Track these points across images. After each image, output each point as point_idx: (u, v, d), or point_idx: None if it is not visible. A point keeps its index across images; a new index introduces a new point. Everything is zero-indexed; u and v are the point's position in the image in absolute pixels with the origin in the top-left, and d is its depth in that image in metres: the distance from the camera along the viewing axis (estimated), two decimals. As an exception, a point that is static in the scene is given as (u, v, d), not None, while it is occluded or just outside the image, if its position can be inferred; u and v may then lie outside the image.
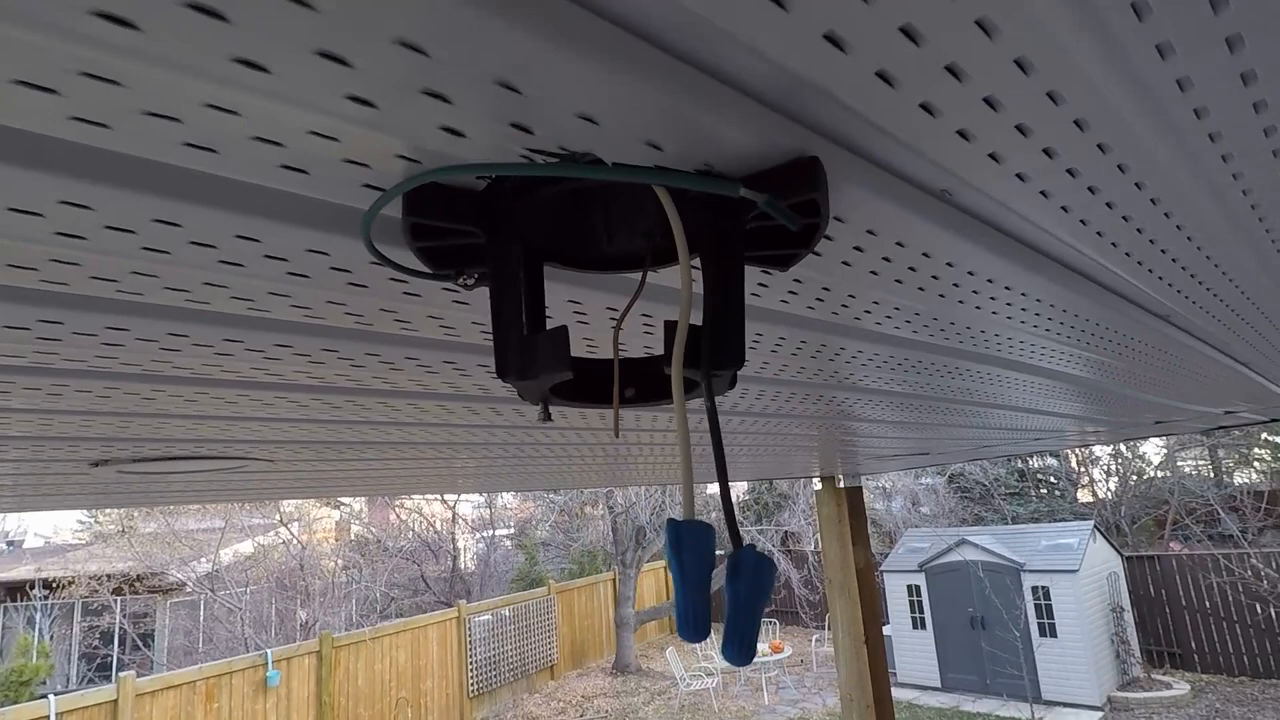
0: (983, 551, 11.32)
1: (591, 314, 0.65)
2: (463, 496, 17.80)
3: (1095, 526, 11.43)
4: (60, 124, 0.32)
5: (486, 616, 12.62)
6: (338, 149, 0.36)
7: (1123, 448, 16.69)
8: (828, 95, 0.35)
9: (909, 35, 0.31)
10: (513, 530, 19.53)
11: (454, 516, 17.78)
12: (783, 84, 0.35)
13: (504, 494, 18.59)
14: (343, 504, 17.15)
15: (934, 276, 0.65)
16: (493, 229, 0.42)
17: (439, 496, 16.90)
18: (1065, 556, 10.74)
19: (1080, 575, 10.42)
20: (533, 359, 0.41)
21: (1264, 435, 15.39)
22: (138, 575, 13.54)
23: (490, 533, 18.31)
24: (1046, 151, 0.44)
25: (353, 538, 17.62)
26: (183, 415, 0.96)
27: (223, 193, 0.40)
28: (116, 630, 13.68)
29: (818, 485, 4.18)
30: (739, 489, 17.73)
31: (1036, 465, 17.68)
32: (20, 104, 0.30)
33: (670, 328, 0.42)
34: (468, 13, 0.27)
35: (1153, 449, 16.90)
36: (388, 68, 0.29)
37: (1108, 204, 0.54)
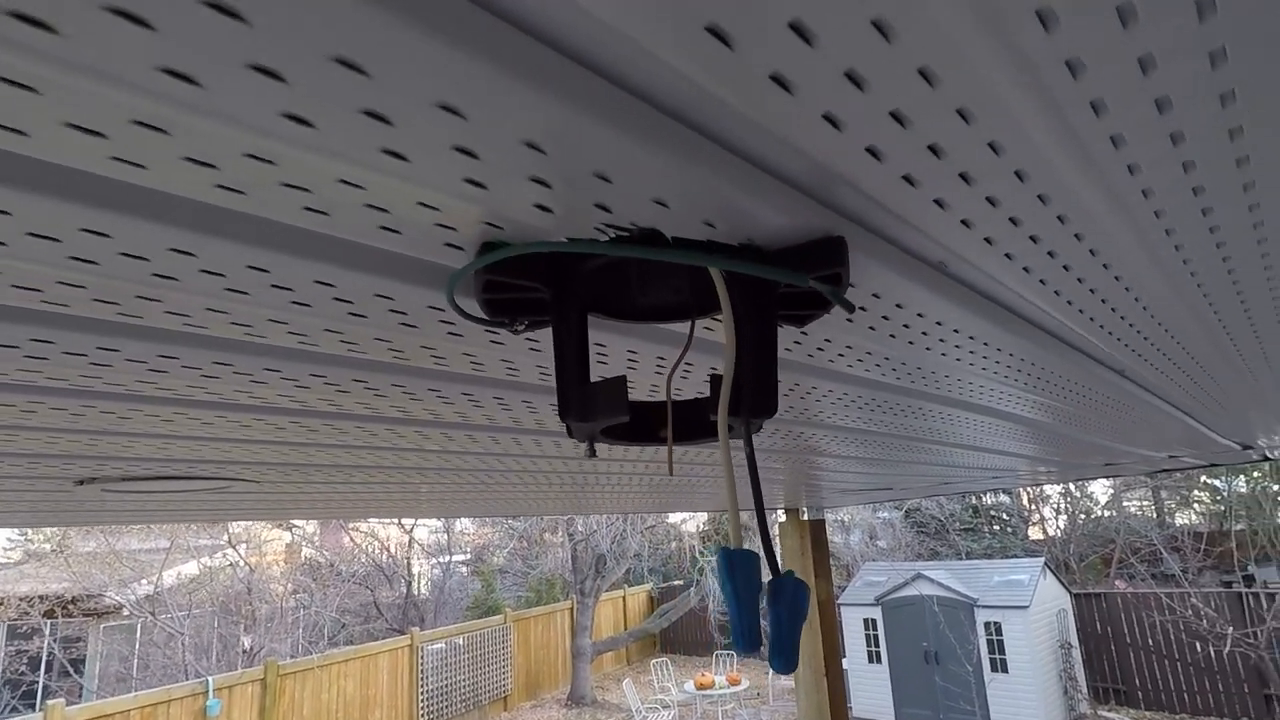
0: (938, 586, 11.50)
1: (612, 355, 0.71)
2: (420, 521, 17.48)
3: (1046, 564, 11.72)
4: (104, 163, 0.35)
5: (440, 645, 12.36)
6: (436, 216, 0.41)
7: (1072, 487, 17.18)
8: (859, 190, 0.42)
9: (934, 151, 0.38)
10: (469, 556, 19.21)
11: (410, 541, 17.43)
12: (822, 180, 0.41)
13: (462, 519, 18.31)
14: (295, 526, 16.69)
15: (924, 332, 0.72)
16: (558, 286, 0.47)
17: (396, 520, 16.58)
18: (1017, 593, 10.98)
19: (1031, 612, 10.64)
20: (594, 404, 0.46)
21: (1203, 478, 16.01)
22: (72, 597, 12.93)
23: (447, 558, 17.96)
24: (1012, 220, 0.51)
25: (304, 561, 17.13)
26: (172, 436, 0.98)
27: (309, 244, 0.45)
28: (45, 655, 13.01)
29: (782, 517, 4.25)
30: (699, 519, 17.74)
31: (990, 502, 18.09)
32: (69, 144, 0.32)
33: (717, 381, 0.48)
34: (587, 120, 0.33)
35: (1100, 489, 17.43)
36: (509, 160, 0.35)
37: (1064, 266, 0.62)
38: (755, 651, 0.41)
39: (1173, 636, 11.46)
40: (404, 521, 16.83)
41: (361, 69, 0.28)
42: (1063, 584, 12.29)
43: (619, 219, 0.42)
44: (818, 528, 4.11)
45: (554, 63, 0.31)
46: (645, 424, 0.51)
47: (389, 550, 17.32)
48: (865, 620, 12.09)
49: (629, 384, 0.51)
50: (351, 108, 0.30)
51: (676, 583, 17.61)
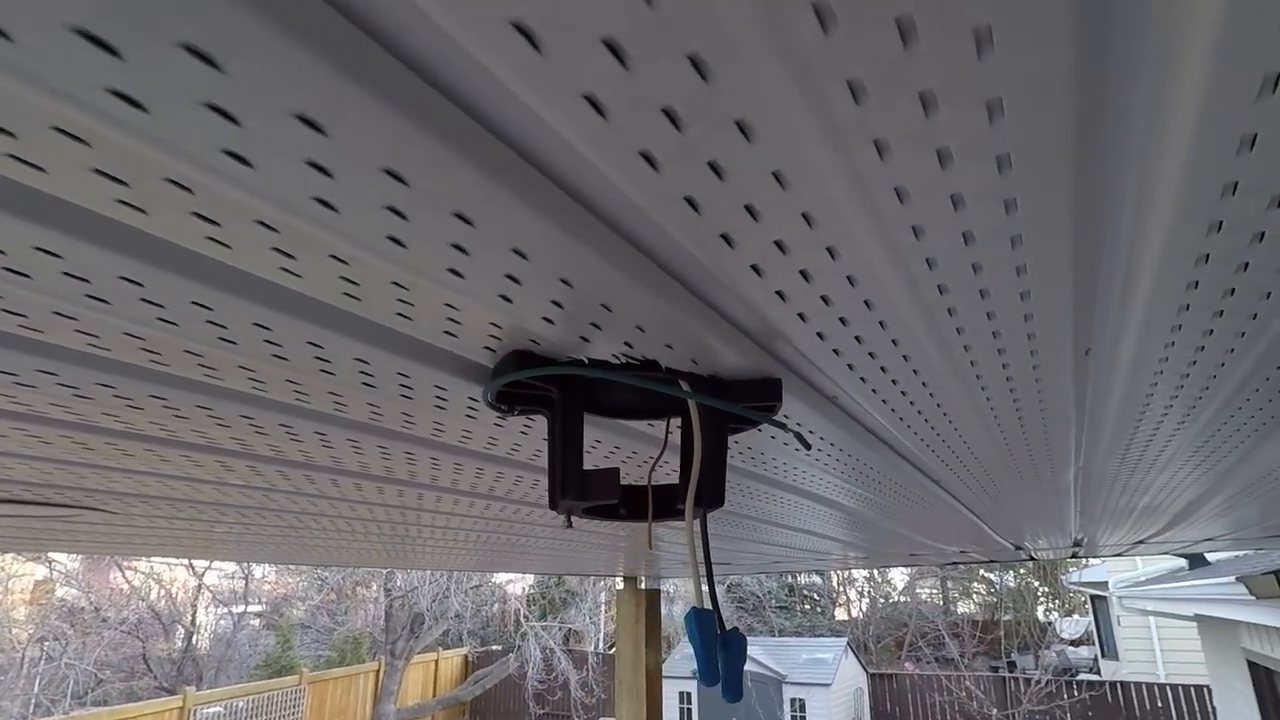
0: (752, 662, 11.94)
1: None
2: (214, 564, 15.72)
3: (848, 644, 12.54)
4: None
5: (217, 708, 11.02)
6: (453, 314, 0.49)
7: (876, 573, 18.64)
8: (791, 344, 0.55)
9: (842, 321, 0.51)
10: (265, 607, 17.43)
11: (199, 586, 15.59)
12: (764, 332, 0.54)
13: (264, 565, 16.68)
14: (53, 559, 14.42)
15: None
16: (564, 388, 0.57)
17: (186, 562, 14.80)
18: (821, 671, 11.64)
19: (833, 689, 11.30)
20: (589, 488, 0.56)
21: (981, 572, 17.98)
22: None
23: (242, 608, 16.19)
24: (857, 338, 0.67)
25: (60, 602, 14.76)
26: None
27: (377, 335, 0.52)
28: None
29: (619, 585, 4.33)
30: (527, 580, 17.33)
31: (804, 581, 19.20)
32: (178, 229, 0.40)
33: (684, 480, 0.59)
34: (606, 266, 0.43)
35: (899, 575, 19.04)
36: (542, 288, 0.44)
37: (882, 368, 0.77)
38: (715, 685, 0.52)
39: (949, 716, 12.58)
40: (195, 564, 15.07)
41: (469, 221, 0.37)
42: (861, 664, 13.19)
43: (606, 336, 0.52)
44: (653, 597, 4.23)
45: (587, 221, 0.41)
46: (623, 504, 0.61)
47: (170, 595, 15.38)
48: (681, 693, 12.27)
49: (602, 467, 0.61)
50: (446, 242, 0.39)
51: (495, 648, 16.95)
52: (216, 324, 0.51)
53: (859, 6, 0.25)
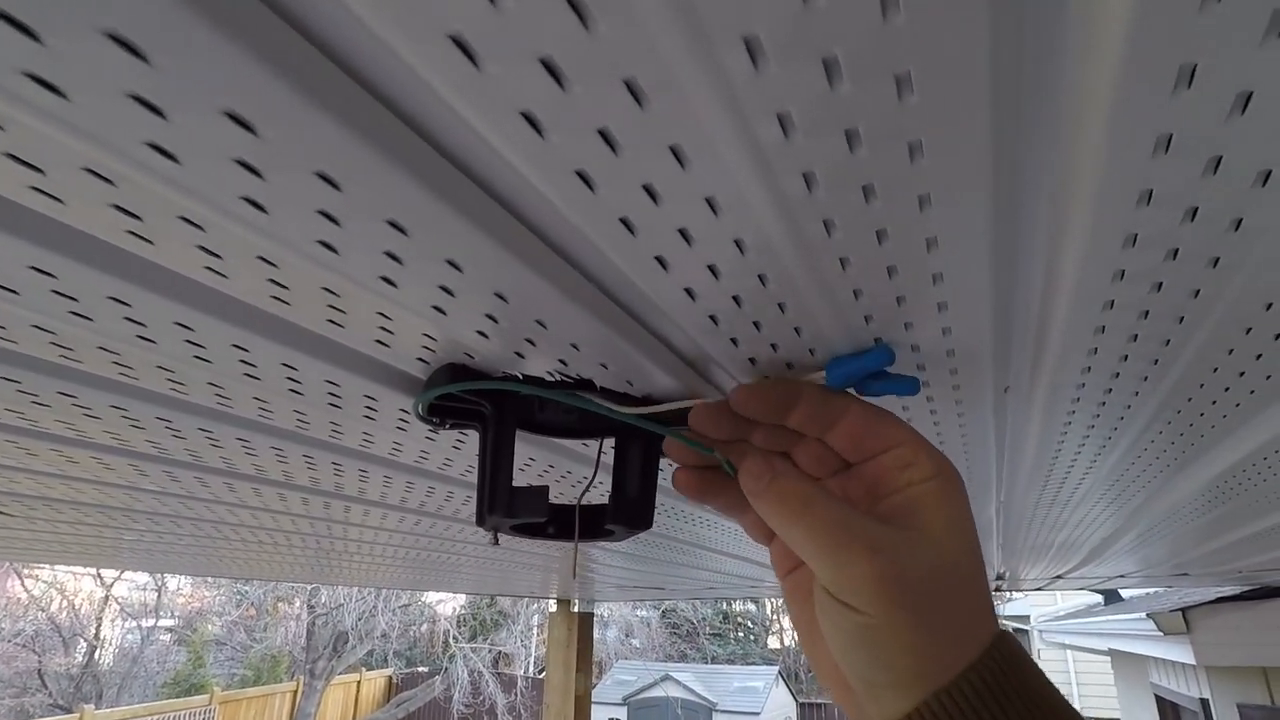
0: (683, 689, 11.90)
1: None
2: (124, 574, 14.85)
3: (779, 672, 12.62)
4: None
5: (120, 728, 10.39)
6: (386, 323, 0.48)
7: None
8: (723, 368, 0.56)
9: (773, 347, 0.52)
10: (178, 622, 16.53)
11: (107, 598, 14.72)
12: (697, 355, 0.55)
13: (180, 577, 15.84)
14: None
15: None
16: (497, 403, 0.56)
17: (94, 571, 13.97)
18: (751, 699, 11.66)
19: (762, 718, 11.32)
20: (517, 505, 0.55)
21: (911, 602, 18.33)
22: None
23: (152, 622, 15.33)
24: (789, 364, 0.69)
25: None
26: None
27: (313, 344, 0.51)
28: None
29: (552, 607, 4.27)
30: (458, 600, 16.91)
31: (739, 609, 19.26)
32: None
33: (616, 499, 0.59)
34: (541, 281, 0.43)
35: (830, 604, 19.26)
36: (476, 301, 0.44)
37: None
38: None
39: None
40: (103, 573, 14.21)
41: (403, 230, 0.37)
42: (791, 692, 13.27)
43: (540, 352, 0.52)
44: (586, 621, 4.18)
45: (524, 236, 0.41)
46: (550, 523, 0.60)
47: (73, 606, 14.47)
48: (610, 720, 12.12)
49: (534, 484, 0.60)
50: (378, 250, 0.38)
51: (422, 669, 16.45)
52: (134, 321, 0.49)
53: (788, 45, 0.26)
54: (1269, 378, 0.66)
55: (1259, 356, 0.60)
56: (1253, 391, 0.69)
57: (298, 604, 14.82)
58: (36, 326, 0.51)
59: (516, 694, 15.11)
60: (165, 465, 0.91)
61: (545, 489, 0.56)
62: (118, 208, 0.36)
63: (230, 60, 0.26)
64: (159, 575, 14.77)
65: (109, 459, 0.87)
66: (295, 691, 13.40)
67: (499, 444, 0.58)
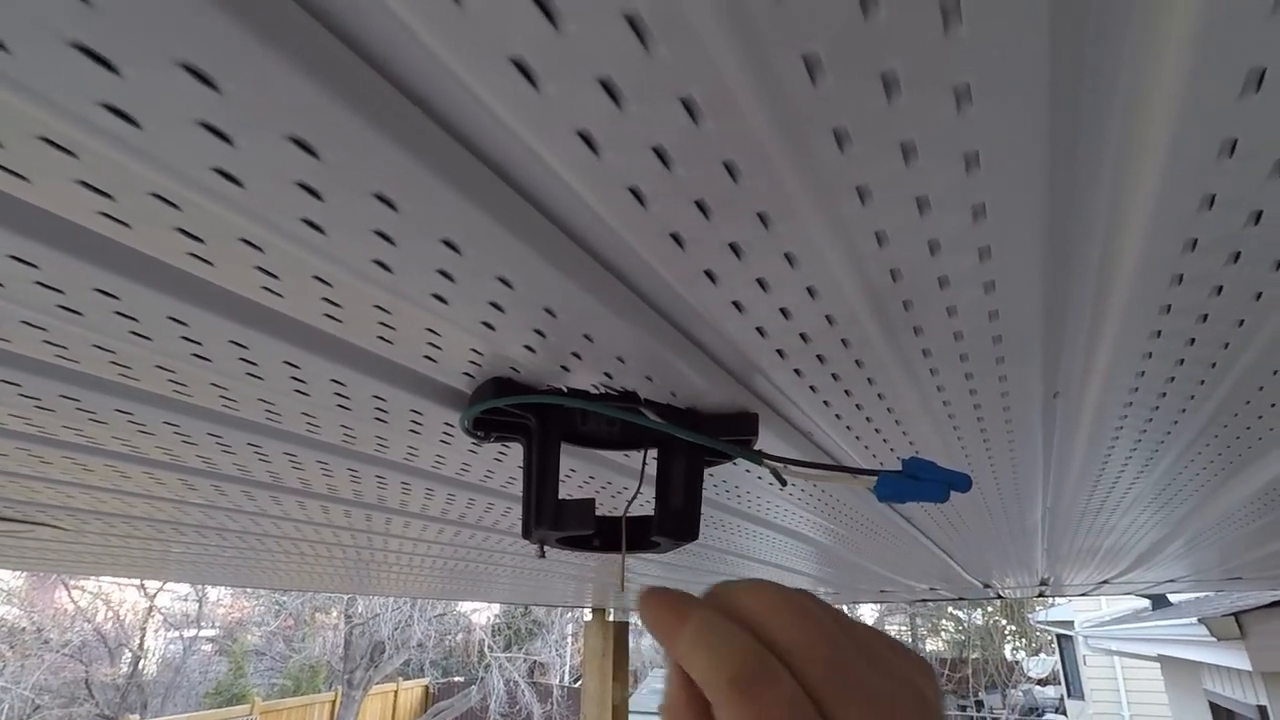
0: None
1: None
2: (167, 585, 15.19)
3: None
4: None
5: (165, 737, 10.59)
6: (434, 339, 0.49)
7: (846, 608, 18.58)
8: (768, 379, 0.56)
9: (820, 359, 0.52)
10: (219, 632, 16.83)
11: (150, 608, 15.05)
12: (743, 366, 0.55)
13: (220, 588, 16.15)
14: (-3, 578, 13.83)
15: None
16: (542, 416, 0.56)
17: (138, 582, 14.31)
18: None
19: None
20: (564, 518, 0.55)
21: (950, 609, 18.04)
22: None
23: (194, 632, 15.63)
24: (834, 375, 0.69)
25: None
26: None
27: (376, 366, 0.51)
28: None
29: (588, 616, 4.27)
30: (492, 610, 17.00)
31: (772, 617, 19.04)
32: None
33: (661, 510, 0.59)
34: (591, 298, 0.43)
35: (868, 611, 19.00)
36: (525, 316, 0.44)
37: (857, 405, 0.79)
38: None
39: (914, 757, 12.49)
40: (147, 584, 14.55)
41: (456, 248, 0.37)
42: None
43: (587, 365, 0.52)
44: (621, 630, 4.17)
45: (574, 253, 0.41)
46: (596, 535, 0.60)
47: (119, 617, 14.81)
48: (646, 729, 12.06)
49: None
50: (431, 268, 0.39)
51: (458, 679, 16.55)
52: (191, 340, 0.51)
53: (848, 59, 0.26)
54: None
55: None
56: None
57: (335, 614, 15.00)
58: (98, 346, 0.52)
59: (552, 703, 15.12)
60: (214, 479, 0.93)
61: (592, 501, 0.57)
62: (182, 231, 0.37)
63: (298, 86, 0.27)
64: (200, 586, 15.07)
65: (160, 474, 0.89)
66: (334, 701, 13.56)
67: (544, 456, 0.58)
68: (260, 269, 0.40)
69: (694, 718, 0.35)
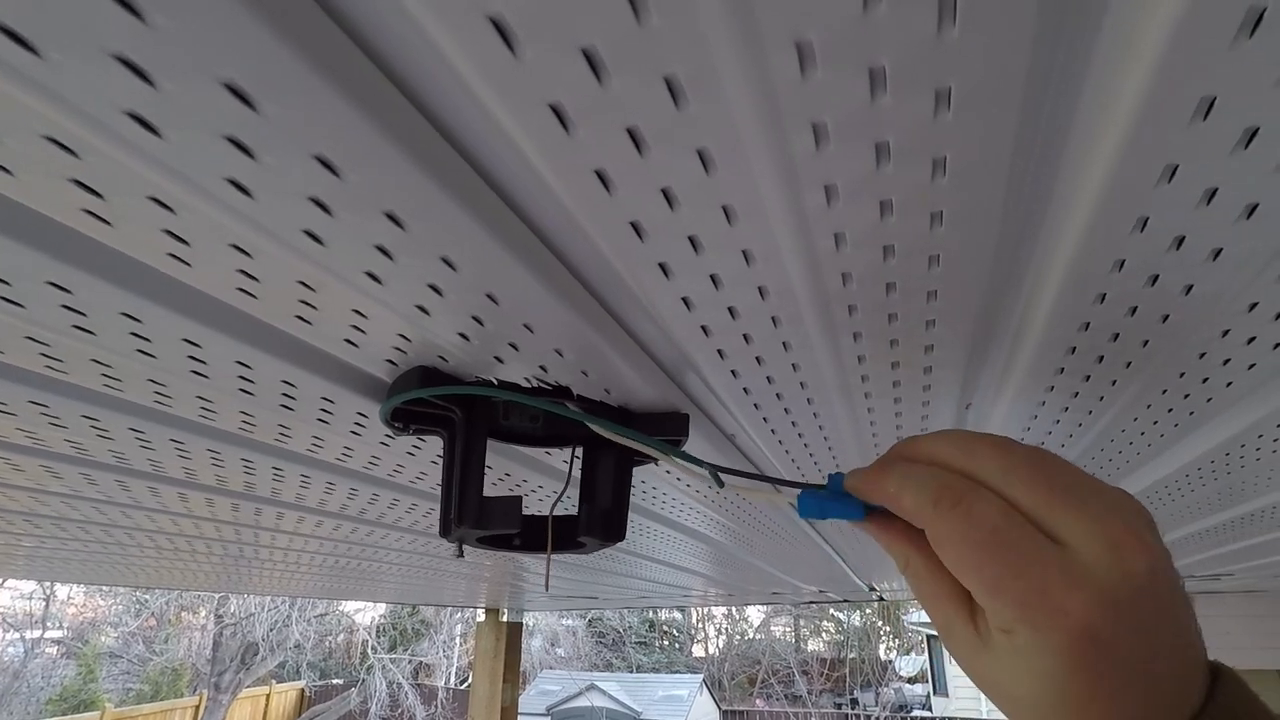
0: (608, 698, 11.83)
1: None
2: (7, 582, 13.72)
3: (704, 680, 12.70)
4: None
5: (-2, 749, 9.58)
6: (360, 321, 0.45)
7: (734, 610, 19.08)
8: (703, 379, 0.55)
9: (758, 360, 0.52)
10: (67, 633, 15.36)
11: (-12, 608, 13.57)
12: (679, 365, 0.54)
13: (70, 585, 14.74)
14: None
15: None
16: (468, 409, 0.53)
17: (-27, 579, 12.85)
18: (675, 708, 11.69)
19: (685, 726, 11.37)
20: (488, 516, 0.52)
21: (831, 610, 18.84)
22: None
23: (38, 633, 14.22)
24: (768, 379, 0.69)
25: None
26: None
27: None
28: None
29: (481, 617, 4.18)
30: (378, 610, 16.37)
31: (665, 617, 19.32)
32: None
33: (586, 508, 0.57)
34: (541, 289, 0.41)
35: (755, 612, 19.58)
36: (467, 300, 0.42)
37: (785, 409, 0.80)
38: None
39: (793, 752, 12.98)
40: (-15, 582, 13.09)
41: (400, 223, 0.34)
42: (715, 700, 13.38)
43: (523, 357, 0.50)
44: (514, 630, 4.10)
45: (527, 238, 0.39)
46: (518, 534, 0.58)
47: (-51, 618, 13.27)
48: (534, 730, 11.93)
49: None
50: (367, 241, 0.36)
51: (336, 681, 15.81)
52: (73, 309, 0.45)
53: (838, 52, 0.26)
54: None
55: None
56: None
57: (203, 614, 14.01)
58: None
59: (437, 705, 14.68)
60: (84, 468, 0.84)
61: (519, 499, 0.54)
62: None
63: (336, 110, 0.27)
64: (48, 584, 13.69)
65: (19, 459, 0.79)
66: (198, 706, 12.65)
67: (469, 451, 0.55)
68: (169, 233, 0.36)
69: (916, 553, 0.39)
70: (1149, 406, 0.70)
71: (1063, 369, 0.58)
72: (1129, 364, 0.57)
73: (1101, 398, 0.66)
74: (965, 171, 0.32)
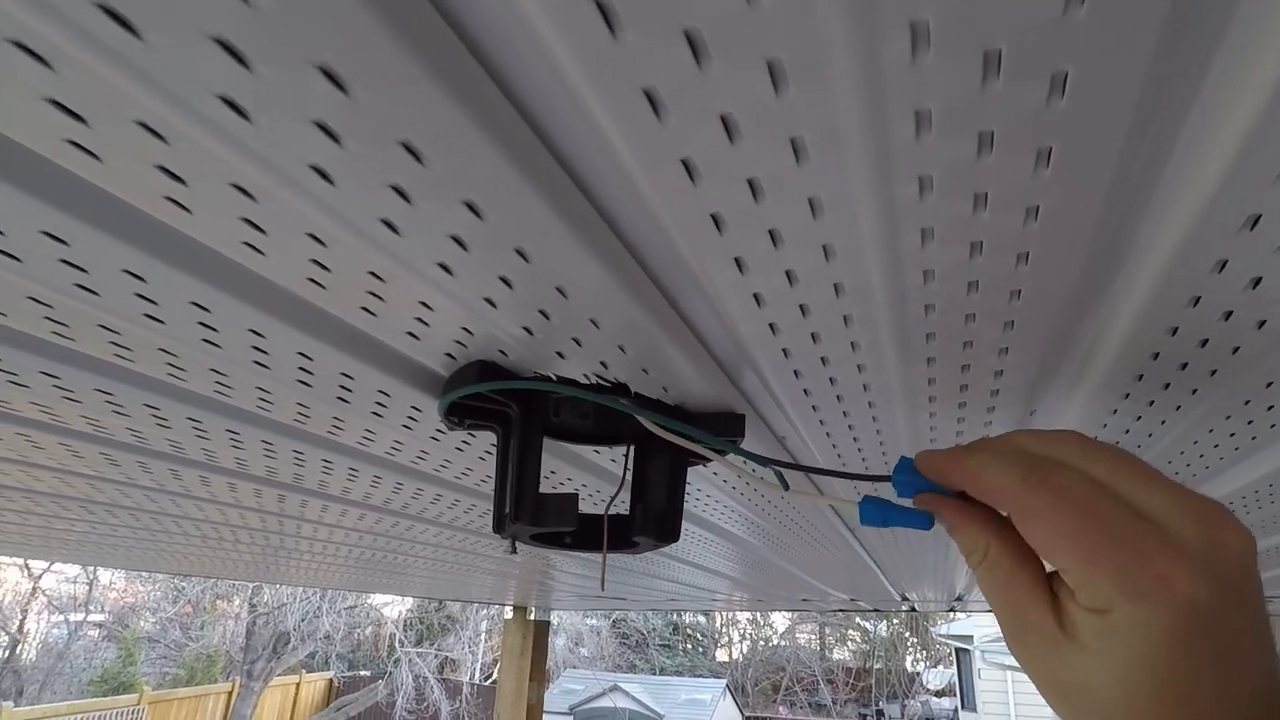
0: (631, 700, 11.82)
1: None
2: (54, 566, 14.15)
3: (727, 685, 12.63)
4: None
5: (41, 727, 9.89)
6: (425, 314, 0.45)
7: (758, 615, 18.95)
8: (761, 378, 0.54)
9: (823, 360, 0.50)
10: (108, 617, 15.79)
11: (34, 590, 14.01)
12: (737, 362, 0.53)
13: (113, 570, 15.16)
14: None
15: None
16: (525, 405, 0.53)
17: (21, 562, 13.31)
18: (699, 712, 11.64)
19: (708, 730, 11.31)
20: (544, 513, 0.51)
21: (858, 619, 18.61)
22: None
23: (82, 616, 14.64)
24: (830, 379, 0.68)
25: None
26: None
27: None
28: None
29: (508, 614, 4.20)
30: (405, 604, 16.57)
31: (689, 620, 19.26)
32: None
33: (639, 508, 0.56)
34: (612, 285, 0.41)
35: (780, 619, 19.42)
36: (538, 293, 0.41)
37: (844, 412, 0.79)
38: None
39: (818, 762, 12.82)
40: (30, 564, 13.52)
41: (478, 212, 0.34)
42: (738, 706, 13.30)
43: (585, 354, 0.49)
44: (541, 629, 4.11)
45: (600, 229, 0.38)
46: (571, 533, 0.57)
47: (-4, 598, 13.74)
48: (558, 729, 11.98)
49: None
50: (443, 231, 0.35)
51: (364, 673, 16.02)
52: (145, 298, 0.45)
53: (957, 36, 0.24)
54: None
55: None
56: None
57: (238, 602, 14.30)
58: (32, 298, 0.46)
59: (461, 700, 14.79)
60: (141, 456, 0.85)
61: (575, 496, 0.54)
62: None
63: (425, 95, 0.27)
64: (92, 568, 14.10)
65: (81, 446, 0.81)
66: (231, 693, 12.91)
67: (525, 447, 0.55)
68: (247, 221, 0.36)
69: (995, 539, 0.37)
70: (1211, 430, 0.67)
71: (1128, 394, 0.56)
72: (1194, 390, 0.55)
73: (1164, 421, 0.63)
74: (1069, 162, 0.31)
